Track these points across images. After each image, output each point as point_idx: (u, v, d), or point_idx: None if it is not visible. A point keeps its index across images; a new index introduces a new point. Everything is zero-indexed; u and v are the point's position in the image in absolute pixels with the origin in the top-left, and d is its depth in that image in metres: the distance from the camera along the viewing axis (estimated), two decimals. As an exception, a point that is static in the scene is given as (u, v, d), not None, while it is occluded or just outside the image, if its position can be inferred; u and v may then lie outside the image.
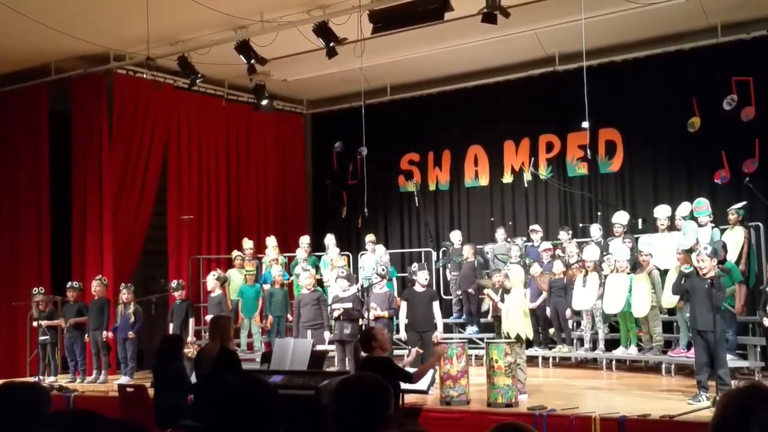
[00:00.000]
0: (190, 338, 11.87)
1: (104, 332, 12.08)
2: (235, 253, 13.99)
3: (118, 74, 13.62)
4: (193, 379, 8.01)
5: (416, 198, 15.42)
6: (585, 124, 10.98)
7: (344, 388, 2.95)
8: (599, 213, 13.38)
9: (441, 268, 14.30)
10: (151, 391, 8.64)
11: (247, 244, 14.02)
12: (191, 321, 12.11)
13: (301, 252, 13.74)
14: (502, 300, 11.18)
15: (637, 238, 11.77)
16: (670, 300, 10.54)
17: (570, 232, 12.92)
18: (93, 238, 13.56)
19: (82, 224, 13.75)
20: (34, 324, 12.44)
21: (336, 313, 10.82)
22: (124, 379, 11.37)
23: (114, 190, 13.50)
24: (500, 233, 13.46)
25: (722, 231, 10.85)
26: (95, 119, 13.67)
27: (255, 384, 2.66)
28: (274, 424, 2.54)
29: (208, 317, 11.59)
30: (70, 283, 12.58)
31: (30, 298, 12.58)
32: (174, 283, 12.42)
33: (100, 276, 12.59)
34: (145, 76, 13.29)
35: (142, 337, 12.42)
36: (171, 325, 12.12)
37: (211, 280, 12.52)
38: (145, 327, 12.44)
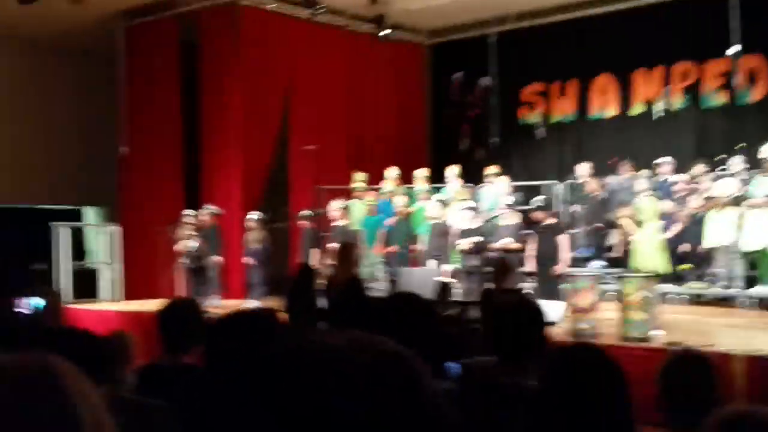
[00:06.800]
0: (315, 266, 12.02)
1: (216, 257, 12.26)
2: (356, 184, 14.08)
3: (244, 6, 13.73)
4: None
5: (539, 130, 15.04)
6: (733, 50, 10.30)
7: (503, 310, 2.91)
8: (744, 145, 12.65)
9: (566, 203, 13.99)
10: (282, 316, 8.85)
11: (362, 176, 14.09)
12: (315, 251, 12.29)
13: (421, 184, 13.67)
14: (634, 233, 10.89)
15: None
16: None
17: (705, 165, 12.36)
18: (222, 168, 13.93)
19: (211, 154, 14.13)
20: (186, 244, 12.54)
21: (463, 246, 10.76)
22: (253, 303, 11.72)
23: (240, 122, 13.77)
24: (624, 167, 13.04)
25: None
26: (222, 51, 13.88)
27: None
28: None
29: (333, 245, 11.72)
30: (205, 207, 12.86)
31: (171, 223, 12.99)
32: (306, 212, 12.57)
33: (208, 205, 12.80)
34: (270, 7, 13.32)
35: (268, 264, 12.69)
36: (301, 253, 12.34)
37: (335, 210, 12.65)
38: (272, 254, 12.70)
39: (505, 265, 6.79)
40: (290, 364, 0.95)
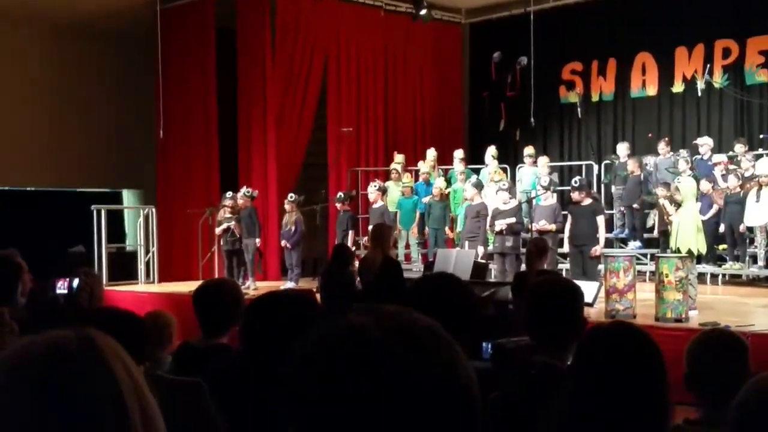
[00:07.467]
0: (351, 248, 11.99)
1: (253, 240, 12.27)
2: (393, 165, 14.07)
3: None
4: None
5: (578, 110, 14.88)
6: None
7: (540, 290, 2.90)
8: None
9: (604, 183, 13.86)
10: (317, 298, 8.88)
11: (400, 158, 14.07)
12: (351, 233, 12.30)
13: (458, 165, 13.61)
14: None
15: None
16: None
17: (746, 144, 12.16)
18: (258, 151, 13.99)
19: (248, 137, 14.20)
20: (223, 227, 12.51)
21: (498, 228, 10.70)
22: (289, 285, 11.80)
23: (277, 105, 13.82)
24: (662, 146, 12.86)
25: None
26: (259, 35, 13.91)
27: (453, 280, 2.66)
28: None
29: (371, 227, 11.71)
30: (245, 189, 12.75)
31: (209, 205, 13.10)
32: (340, 195, 12.60)
33: (245, 188, 12.77)
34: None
35: (304, 246, 12.73)
36: (336, 235, 12.38)
37: (372, 192, 12.68)
38: (308, 236, 12.74)
39: (540, 246, 6.74)
40: (321, 346, 0.96)
